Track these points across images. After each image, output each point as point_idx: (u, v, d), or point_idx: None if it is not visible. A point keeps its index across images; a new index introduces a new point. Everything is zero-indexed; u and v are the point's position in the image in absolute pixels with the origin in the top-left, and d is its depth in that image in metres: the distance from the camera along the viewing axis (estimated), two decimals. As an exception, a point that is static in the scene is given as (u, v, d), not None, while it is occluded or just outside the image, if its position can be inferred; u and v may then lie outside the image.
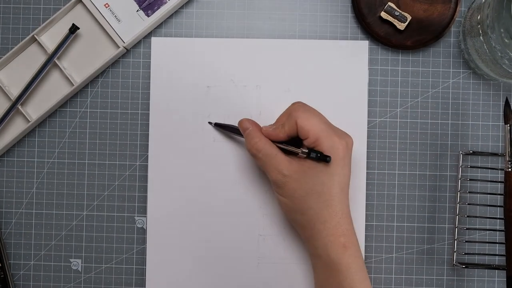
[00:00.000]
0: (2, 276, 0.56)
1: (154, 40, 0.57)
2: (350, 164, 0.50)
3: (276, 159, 0.50)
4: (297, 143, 0.51)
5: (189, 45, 0.57)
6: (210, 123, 0.56)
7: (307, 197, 0.49)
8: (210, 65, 0.57)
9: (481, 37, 0.52)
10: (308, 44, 0.57)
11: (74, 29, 0.56)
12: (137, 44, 0.58)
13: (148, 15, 0.56)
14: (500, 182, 0.57)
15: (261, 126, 0.52)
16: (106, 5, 0.56)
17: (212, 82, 0.57)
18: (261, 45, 0.57)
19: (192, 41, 0.57)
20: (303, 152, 0.49)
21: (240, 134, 0.54)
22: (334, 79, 0.56)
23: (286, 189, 0.49)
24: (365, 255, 0.57)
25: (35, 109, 0.57)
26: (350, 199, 0.54)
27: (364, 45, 0.57)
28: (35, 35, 0.56)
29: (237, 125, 0.53)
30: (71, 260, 0.58)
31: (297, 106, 0.50)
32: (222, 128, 0.56)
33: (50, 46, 0.57)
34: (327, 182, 0.48)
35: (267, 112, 0.56)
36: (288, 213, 0.51)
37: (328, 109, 0.56)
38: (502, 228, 0.57)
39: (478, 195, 0.57)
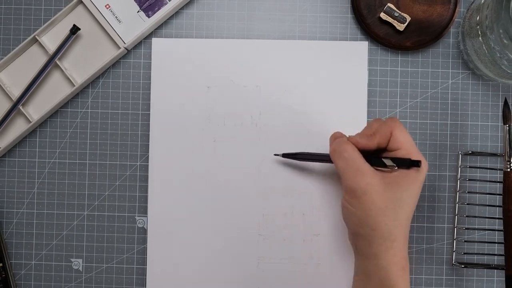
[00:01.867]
0: (3, 275, 0.57)
1: (154, 40, 0.57)
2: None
3: (362, 164, 0.47)
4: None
5: (189, 46, 0.57)
6: (276, 155, 0.55)
7: (384, 212, 0.46)
8: (210, 66, 0.57)
9: (480, 38, 0.52)
10: (307, 45, 0.57)
11: (75, 30, 0.56)
12: (137, 44, 0.58)
13: (148, 16, 0.57)
14: (499, 182, 0.57)
15: (351, 136, 0.50)
16: (107, 6, 0.57)
17: (212, 82, 0.57)
18: (261, 46, 0.57)
19: (192, 42, 0.57)
20: (392, 165, 0.47)
21: (313, 159, 0.53)
22: (333, 79, 0.57)
23: (364, 199, 0.46)
24: (364, 255, 0.57)
25: (36, 110, 0.57)
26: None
27: (363, 46, 0.57)
28: (36, 36, 0.57)
29: (307, 152, 0.53)
30: (72, 259, 0.58)
31: (394, 118, 0.49)
32: (292, 157, 0.54)
33: (51, 47, 0.57)
34: (406, 199, 0.46)
35: (267, 113, 0.57)
36: (355, 226, 0.48)
37: (328, 110, 0.57)
38: (501, 228, 0.57)
39: (477, 195, 0.57)
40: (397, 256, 0.46)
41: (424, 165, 0.48)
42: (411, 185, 0.47)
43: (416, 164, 0.47)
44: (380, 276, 0.46)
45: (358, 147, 0.48)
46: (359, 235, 0.48)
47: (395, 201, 0.46)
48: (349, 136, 0.50)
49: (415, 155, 0.48)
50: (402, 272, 0.46)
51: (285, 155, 0.55)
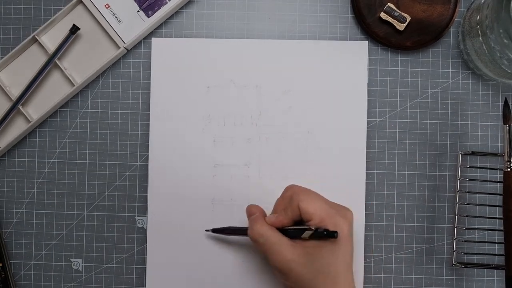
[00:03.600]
0: (3, 276, 0.57)
1: (154, 40, 0.57)
2: (352, 239, 0.49)
3: (279, 243, 0.48)
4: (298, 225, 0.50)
5: (189, 46, 0.57)
6: (207, 230, 0.56)
7: (314, 279, 0.47)
8: (210, 66, 0.57)
9: (480, 38, 0.52)
10: (307, 44, 0.57)
11: (74, 29, 0.56)
12: (137, 44, 0.58)
13: (148, 16, 0.57)
14: (499, 182, 0.57)
15: (266, 217, 0.51)
16: (107, 6, 0.56)
17: (212, 82, 0.57)
18: (260, 45, 0.57)
19: (192, 41, 0.57)
20: (309, 229, 0.48)
21: (238, 234, 0.54)
22: (333, 79, 0.57)
23: (292, 275, 0.48)
24: (364, 255, 0.57)
25: (36, 110, 0.57)
26: (350, 200, 0.54)
27: (363, 45, 0.57)
28: (36, 36, 0.56)
29: (233, 227, 0.54)
30: (72, 259, 0.58)
31: (297, 189, 0.50)
32: (220, 233, 0.55)
33: (51, 47, 0.57)
34: (333, 262, 0.47)
35: (266, 113, 0.57)
36: None
37: (328, 110, 0.57)
38: (501, 228, 0.57)
39: (477, 195, 0.57)
40: None
41: (347, 223, 0.48)
42: (335, 252, 0.48)
43: (332, 235, 0.47)
44: None
45: (276, 227, 0.50)
46: None
47: (322, 267, 0.47)
48: (266, 217, 0.51)
49: (329, 222, 0.48)
50: None
51: (214, 231, 0.55)
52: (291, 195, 0.50)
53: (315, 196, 0.50)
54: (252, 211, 0.52)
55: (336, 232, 0.47)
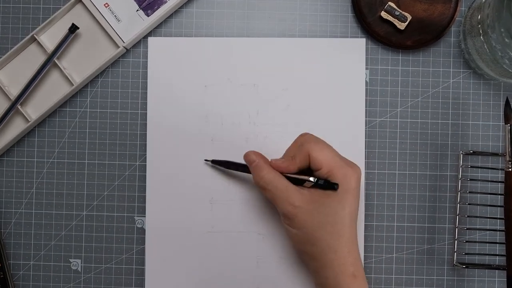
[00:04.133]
0: (1, 276, 0.56)
1: (151, 40, 0.57)
2: (359, 195, 0.50)
3: (287, 190, 0.49)
4: (305, 175, 0.50)
5: (185, 45, 0.57)
6: (206, 160, 0.56)
7: (319, 227, 0.48)
8: (207, 64, 0.57)
9: (481, 37, 0.51)
10: (304, 42, 0.57)
11: (73, 28, 0.55)
12: (137, 43, 0.58)
13: (148, 15, 0.56)
14: (501, 182, 0.56)
15: (269, 159, 0.51)
16: (106, 5, 0.56)
17: (209, 81, 0.57)
18: (257, 43, 0.57)
19: (189, 40, 0.57)
20: (309, 181, 0.48)
21: (241, 170, 0.53)
22: (331, 77, 0.56)
23: (297, 220, 0.49)
24: (365, 255, 0.57)
25: (34, 109, 0.57)
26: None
27: (361, 42, 0.57)
28: (34, 35, 0.56)
29: (234, 161, 0.54)
30: (71, 260, 0.57)
31: (308, 138, 0.50)
32: (220, 165, 0.55)
33: (50, 46, 0.57)
34: (339, 212, 0.48)
35: (264, 111, 0.56)
36: (298, 244, 0.50)
37: (326, 107, 0.56)
38: (503, 228, 0.56)
39: (479, 195, 0.57)
40: (344, 265, 0.48)
41: (355, 176, 0.48)
42: (341, 202, 0.48)
43: (332, 187, 0.48)
44: (331, 285, 0.48)
45: (281, 172, 0.50)
46: (304, 252, 0.50)
47: (328, 217, 0.48)
48: (272, 159, 0.51)
49: (337, 172, 0.48)
50: (352, 279, 0.48)
51: (214, 162, 0.55)
52: (302, 142, 0.50)
53: (327, 147, 0.50)
54: (252, 158, 0.51)
55: (336, 184, 0.48)
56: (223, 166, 0.55)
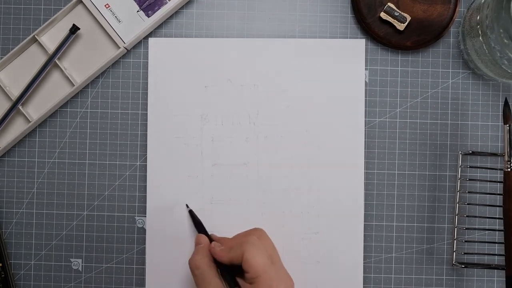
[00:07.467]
0: (3, 276, 0.57)
1: (151, 40, 0.57)
2: None
3: (209, 283, 0.49)
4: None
5: (186, 46, 0.57)
6: (187, 205, 0.56)
7: None
8: (207, 65, 0.57)
9: (480, 38, 0.52)
10: (304, 43, 0.57)
11: (74, 29, 0.56)
12: (137, 44, 0.58)
13: (148, 16, 0.57)
14: (500, 182, 0.57)
15: (211, 244, 0.52)
16: (107, 6, 0.56)
17: (209, 81, 0.57)
18: (257, 44, 0.57)
19: (189, 41, 0.57)
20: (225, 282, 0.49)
21: (198, 231, 0.54)
22: (331, 77, 0.57)
23: None
24: (364, 255, 0.57)
25: (35, 109, 0.57)
26: (349, 200, 0.54)
27: (360, 43, 0.57)
28: (35, 36, 0.56)
29: (202, 225, 0.55)
30: (72, 259, 0.58)
31: (251, 239, 0.50)
32: (191, 217, 0.56)
33: (51, 47, 0.57)
34: None
35: (264, 111, 0.57)
36: None
37: (326, 108, 0.57)
38: (501, 228, 0.57)
39: (478, 195, 0.57)
40: None
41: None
42: None
43: None
44: None
45: (214, 257, 0.51)
46: None
47: None
48: (212, 243, 0.52)
49: (262, 281, 0.47)
50: None
51: (190, 212, 0.56)
52: (244, 241, 0.50)
53: (263, 254, 0.49)
54: (199, 241, 0.53)
55: None
56: (193, 220, 0.55)
